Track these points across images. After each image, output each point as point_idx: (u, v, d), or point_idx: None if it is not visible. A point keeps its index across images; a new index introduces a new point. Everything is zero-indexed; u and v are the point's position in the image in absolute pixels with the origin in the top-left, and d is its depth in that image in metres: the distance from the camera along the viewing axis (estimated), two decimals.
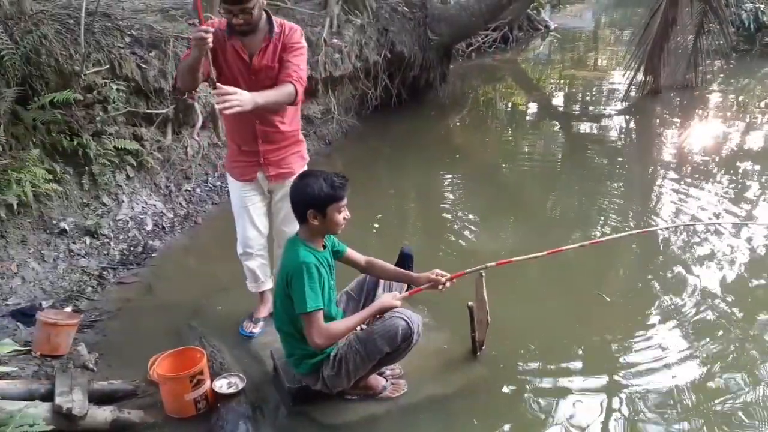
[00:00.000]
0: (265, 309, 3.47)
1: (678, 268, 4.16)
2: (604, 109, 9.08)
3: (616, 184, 5.89)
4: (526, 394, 3.00)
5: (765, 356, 3.22)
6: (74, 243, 4.09)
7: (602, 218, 5.13)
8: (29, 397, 2.60)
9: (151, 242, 4.42)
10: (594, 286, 3.96)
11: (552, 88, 10.77)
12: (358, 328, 2.66)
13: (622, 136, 7.94)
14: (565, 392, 3.01)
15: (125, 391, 2.88)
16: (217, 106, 2.47)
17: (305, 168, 3.16)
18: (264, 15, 2.84)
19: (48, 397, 2.62)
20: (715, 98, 9.19)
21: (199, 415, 2.75)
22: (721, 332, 3.45)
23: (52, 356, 3.07)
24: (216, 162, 5.47)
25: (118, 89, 4.44)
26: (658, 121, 8.32)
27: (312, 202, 2.47)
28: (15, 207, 3.79)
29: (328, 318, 2.59)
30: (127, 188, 4.64)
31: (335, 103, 6.99)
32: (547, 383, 3.08)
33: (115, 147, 4.48)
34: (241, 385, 2.83)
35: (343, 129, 7.18)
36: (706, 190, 5.55)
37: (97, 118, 4.40)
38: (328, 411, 2.80)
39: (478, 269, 2.90)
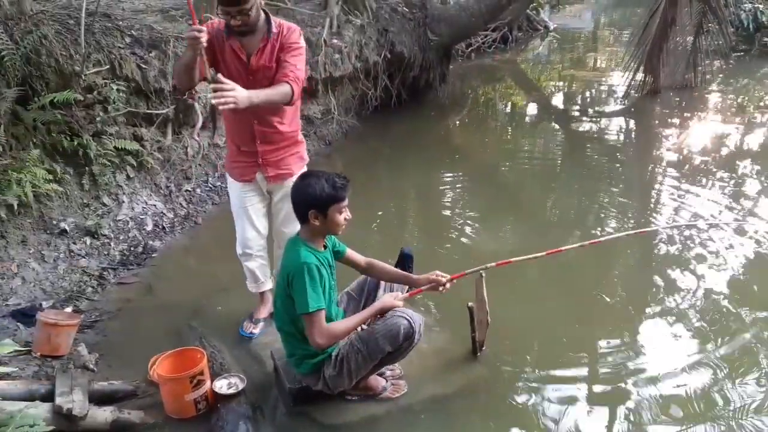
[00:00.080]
0: (265, 309, 3.47)
1: (678, 268, 4.16)
2: (604, 110, 9.09)
3: (615, 184, 5.90)
4: (526, 395, 3.00)
5: None
6: (74, 243, 4.10)
7: (602, 218, 5.14)
8: (29, 397, 2.61)
9: (151, 242, 4.42)
10: (594, 287, 3.96)
11: (551, 88, 10.78)
12: (359, 328, 2.67)
13: (622, 136, 7.94)
14: (565, 393, 3.01)
15: (125, 392, 2.88)
16: (212, 101, 2.46)
17: (305, 169, 3.16)
18: (262, 15, 2.83)
19: (48, 397, 2.62)
20: (714, 98, 9.20)
21: (199, 415, 2.76)
22: (722, 333, 3.45)
23: (53, 357, 3.07)
24: (216, 162, 5.48)
25: (118, 89, 4.44)
26: (657, 121, 8.32)
27: (313, 202, 2.47)
28: (15, 207, 3.79)
29: (329, 318, 2.59)
30: (127, 188, 4.64)
31: (335, 103, 6.99)
32: (547, 384, 3.07)
33: (115, 147, 4.49)
34: (241, 386, 2.83)
35: (343, 129, 7.18)
36: (705, 189, 5.56)
37: (98, 119, 4.40)
38: (329, 411, 2.80)
39: (478, 270, 2.90)
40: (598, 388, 3.05)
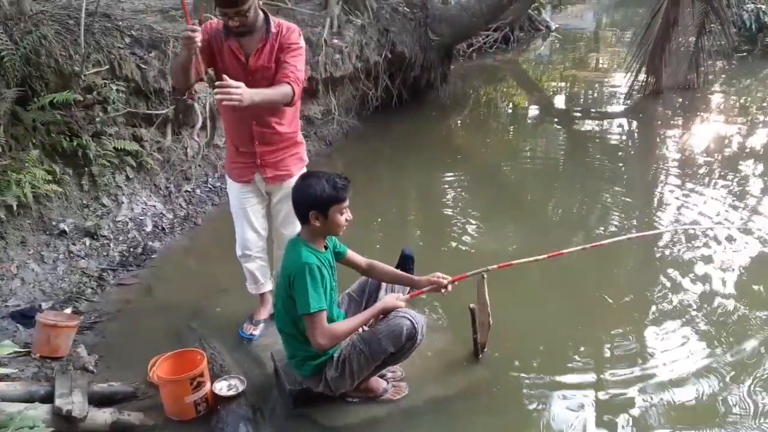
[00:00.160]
0: (265, 311, 3.46)
1: (682, 269, 4.14)
2: (606, 110, 9.07)
3: (617, 185, 5.88)
4: (528, 397, 2.99)
5: None
6: (74, 244, 4.08)
7: (604, 218, 5.12)
8: (29, 398, 2.60)
9: (150, 243, 4.41)
10: (596, 288, 3.94)
11: (553, 88, 10.76)
12: (361, 329, 2.65)
13: (624, 136, 7.92)
14: (567, 395, 2.99)
15: (125, 393, 2.87)
16: (216, 96, 2.45)
17: (304, 170, 3.13)
18: (261, 15, 2.82)
19: (48, 398, 2.61)
20: (716, 99, 9.17)
21: (199, 417, 2.74)
22: (727, 335, 3.43)
23: (52, 358, 3.06)
24: (216, 163, 5.46)
25: (117, 90, 4.43)
26: (659, 121, 8.30)
27: (314, 203, 2.46)
28: (15, 208, 3.78)
29: (330, 319, 2.57)
30: (126, 189, 4.63)
31: (336, 103, 6.98)
32: (549, 386, 3.06)
33: (114, 148, 4.47)
34: (241, 388, 2.82)
35: (344, 129, 7.17)
36: (708, 190, 5.53)
37: (97, 119, 4.39)
38: (329, 413, 2.78)
39: (479, 272, 2.89)
40: (600, 391, 3.02)
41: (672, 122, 8.17)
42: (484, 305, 2.98)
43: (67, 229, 4.08)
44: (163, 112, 4.89)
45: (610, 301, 3.80)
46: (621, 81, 9.71)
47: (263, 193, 3.18)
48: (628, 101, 8.99)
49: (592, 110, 9.19)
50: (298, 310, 2.45)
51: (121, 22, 4.83)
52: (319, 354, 2.63)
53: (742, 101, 9.13)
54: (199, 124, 5.13)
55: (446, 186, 5.93)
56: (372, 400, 2.85)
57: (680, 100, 8.98)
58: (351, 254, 2.82)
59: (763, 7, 11.65)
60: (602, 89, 10.20)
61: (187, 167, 5.17)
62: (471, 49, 12.03)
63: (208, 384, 2.78)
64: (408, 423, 2.80)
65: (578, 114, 9.05)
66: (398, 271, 2.91)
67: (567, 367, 3.20)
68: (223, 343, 3.29)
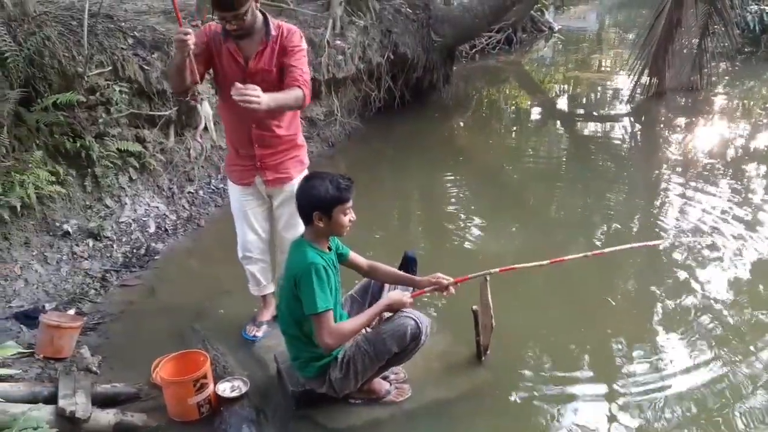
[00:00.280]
0: (268, 312, 3.46)
1: (684, 272, 4.13)
2: (609, 112, 9.06)
3: (620, 186, 5.88)
4: (530, 399, 2.98)
5: None
6: (77, 245, 4.09)
7: (607, 220, 5.11)
8: (32, 399, 2.61)
9: (153, 244, 4.41)
10: (598, 291, 3.94)
11: (556, 89, 10.76)
12: (365, 330, 2.65)
13: (627, 138, 7.91)
14: (570, 398, 2.99)
15: (128, 394, 2.87)
16: (235, 98, 2.42)
17: (305, 173, 3.11)
18: (260, 17, 2.80)
19: (51, 399, 2.61)
20: (720, 100, 9.16)
21: (202, 418, 2.75)
22: (729, 338, 3.42)
23: (55, 359, 3.07)
24: (219, 164, 5.47)
25: (120, 91, 4.44)
26: (662, 123, 8.29)
27: (318, 204, 2.46)
28: (18, 209, 3.79)
29: (334, 320, 2.57)
30: (129, 190, 4.63)
31: (338, 104, 6.98)
32: (551, 388, 3.05)
33: (117, 149, 4.48)
34: (244, 389, 2.82)
35: (346, 131, 7.16)
36: (711, 192, 5.52)
37: (100, 120, 4.40)
38: (332, 415, 2.78)
39: (482, 274, 2.89)
40: (603, 394, 3.02)
41: (675, 124, 8.16)
42: (487, 307, 2.98)
43: (70, 230, 4.09)
44: (166, 113, 4.89)
45: (613, 303, 3.80)
46: (624, 82, 9.71)
47: (264, 196, 3.17)
48: (631, 103, 8.98)
49: (595, 112, 9.19)
50: (305, 310, 2.45)
51: (124, 24, 4.84)
52: (323, 355, 2.63)
53: (745, 103, 9.11)
54: (202, 126, 5.11)
55: (449, 187, 5.92)
56: (375, 402, 2.85)
57: (683, 101, 8.97)
58: (353, 256, 2.82)
59: (767, 8, 11.63)
60: (605, 91, 10.19)
61: (190, 168, 5.18)
62: (473, 50, 12.02)
63: (211, 385, 2.78)
64: (410, 425, 2.80)
65: (581, 115, 9.05)
66: (400, 272, 2.91)
67: (569, 370, 3.19)
68: (226, 344, 3.29)
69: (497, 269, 2.89)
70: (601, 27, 17.72)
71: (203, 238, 4.70)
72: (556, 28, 15.04)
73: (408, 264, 3.09)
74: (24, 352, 3.02)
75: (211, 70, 2.95)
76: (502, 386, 3.05)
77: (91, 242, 4.16)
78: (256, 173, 3.06)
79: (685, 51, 8.84)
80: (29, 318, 3.41)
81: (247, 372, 3.04)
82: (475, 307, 3.01)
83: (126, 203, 4.56)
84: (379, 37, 7.37)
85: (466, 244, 4.68)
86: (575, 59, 12.99)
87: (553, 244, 4.61)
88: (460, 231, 4.92)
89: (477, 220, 5.14)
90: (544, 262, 2.92)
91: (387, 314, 2.71)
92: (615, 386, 3.06)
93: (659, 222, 4.99)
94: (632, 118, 8.67)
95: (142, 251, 4.32)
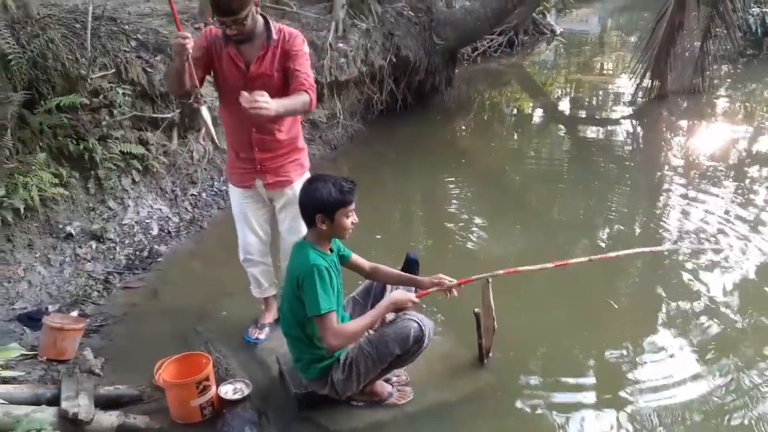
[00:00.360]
0: (270, 315, 3.46)
1: (688, 275, 4.13)
2: (611, 114, 9.05)
3: (622, 189, 5.87)
4: (533, 402, 2.98)
5: None
6: (80, 247, 4.10)
7: (609, 223, 5.11)
8: (35, 401, 2.61)
9: (156, 247, 4.42)
10: (601, 293, 3.94)
11: (558, 92, 10.76)
12: (369, 331, 2.65)
13: (629, 140, 7.91)
14: (572, 401, 2.99)
15: (131, 396, 2.88)
16: (245, 104, 2.40)
17: (305, 176, 3.09)
18: (261, 21, 2.78)
19: (54, 401, 2.62)
20: (722, 103, 9.15)
21: (204, 420, 2.75)
22: (734, 342, 3.42)
23: (59, 361, 3.08)
24: (222, 167, 5.47)
25: (124, 93, 4.46)
26: (664, 125, 8.29)
27: (321, 206, 2.46)
28: (22, 211, 3.80)
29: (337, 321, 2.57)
30: (132, 192, 4.64)
31: (341, 107, 6.98)
32: (554, 391, 3.05)
33: (121, 151, 4.49)
34: (246, 391, 2.82)
35: (349, 133, 7.17)
36: (713, 195, 5.51)
37: (103, 123, 4.41)
38: (334, 417, 2.79)
39: (486, 276, 2.89)
40: (606, 398, 3.02)
41: (677, 126, 8.16)
42: (489, 309, 2.98)
43: (73, 232, 4.10)
44: (169, 115, 4.90)
45: (616, 306, 3.80)
46: (626, 85, 9.70)
47: (265, 199, 3.16)
48: (633, 105, 8.98)
49: (597, 114, 9.18)
50: (308, 312, 2.46)
51: (127, 26, 4.85)
52: (325, 356, 2.64)
53: (747, 105, 9.11)
54: (204, 128, 5.13)
55: (451, 189, 5.93)
56: (377, 404, 2.85)
57: (685, 104, 8.96)
58: (355, 258, 2.83)
59: None
60: (607, 93, 10.18)
61: (193, 171, 5.18)
62: (476, 53, 12.02)
63: (214, 387, 2.79)
64: (412, 427, 2.80)
65: (583, 118, 9.04)
66: (402, 273, 2.92)
67: (572, 373, 3.19)
68: (228, 346, 3.29)
69: (502, 271, 2.89)
70: (603, 30, 17.70)
71: (206, 241, 4.70)
72: (558, 31, 15.03)
73: (410, 266, 3.09)
74: (27, 354, 3.03)
75: (211, 74, 2.95)
76: (505, 389, 3.05)
77: (94, 244, 4.17)
78: (256, 176, 3.05)
79: (687, 54, 8.83)
80: (32, 320, 3.42)
81: (250, 374, 3.04)
82: (477, 309, 3.02)
83: (129, 205, 4.57)
84: (382, 40, 7.38)
85: (468, 246, 4.68)
86: (577, 62, 12.99)
87: (556, 247, 4.60)
88: (462, 233, 4.92)
89: (479, 223, 5.14)
90: (549, 265, 2.92)
91: (390, 316, 2.71)
92: (618, 389, 3.06)
93: (662, 224, 4.99)
94: (634, 121, 8.68)
95: (145, 253, 4.33)
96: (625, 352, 3.36)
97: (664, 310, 3.77)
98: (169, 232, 4.64)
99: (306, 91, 2.74)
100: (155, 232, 4.57)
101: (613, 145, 7.54)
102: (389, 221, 5.24)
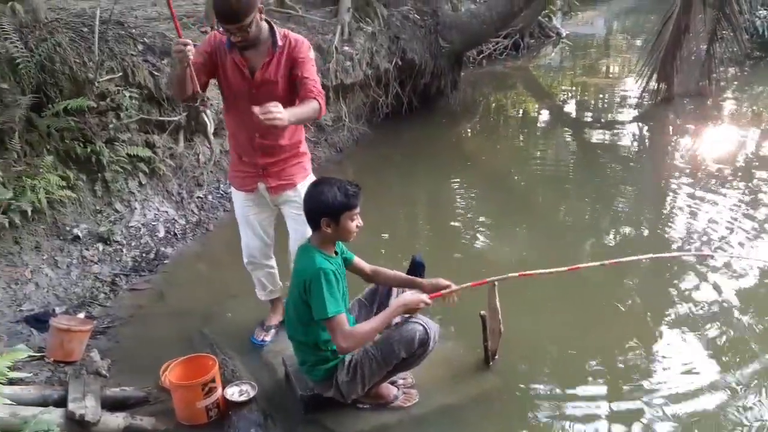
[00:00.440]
0: (276, 317, 3.46)
1: (694, 278, 4.11)
2: (616, 117, 9.03)
3: (628, 192, 5.85)
4: (539, 405, 2.97)
5: None
6: (87, 249, 4.12)
7: (615, 226, 5.10)
8: (43, 402, 2.62)
9: (163, 249, 4.44)
10: (607, 296, 3.92)
11: (563, 95, 10.73)
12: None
13: (635, 143, 7.88)
14: (578, 404, 2.98)
15: (137, 398, 2.89)
16: (260, 116, 2.38)
17: (308, 178, 3.09)
18: (265, 26, 2.77)
19: (61, 403, 2.63)
20: (728, 106, 9.11)
21: (210, 422, 2.75)
22: (740, 345, 3.40)
23: (65, 362, 3.09)
24: (228, 169, 5.48)
25: (130, 96, 4.48)
26: (671, 128, 8.26)
27: (326, 210, 2.47)
28: (29, 213, 3.82)
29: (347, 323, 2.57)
30: (139, 195, 4.66)
31: (346, 110, 7.00)
32: (560, 394, 3.05)
33: (127, 154, 4.51)
34: (252, 393, 2.83)
35: (354, 136, 7.18)
36: (720, 198, 5.48)
37: (110, 125, 4.43)
38: (340, 419, 2.78)
39: (499, 279, 2.89)
40: (612, 401, 3.00)
41: (683, 129, 8.12)
42: (495, 312, 2.98)
43: (80, 234, 4.12)
44: (176, 118, 4.92)
45: (622, 309, 3.78)
46: (632, 88, 9.67)
47: (268, 202, 3.15)
48: (639, 108, 8.95)
49: (603, 117, 9.15)
50: (315, 315, 2.46)
51: (134, 30, 4.89)
52: (330, 358, 2.64)
53: (754, 108, 9.06)
54: (211, 131, 5.15)
55: (456, 192, 5.93)
56: (383, 407, 2.85)
57: (692, 107, 8.92)
58: (357, 260, 2.83)
59: None
60: (613, 96, 10.15)
61: (199, 173, 5.20)
62: (481, 56, 12.01)
63: (220, 389, 2.79)
64: (418, 430, 2.80)
65: (589, 121, 9.02)
66: (403, 276, 2.90)
67: (578, 376, 3.18)
68: (234, 348, 3.30)
69: (516, 274, 2.88)
70: (609, 32, 17.65)
71: (212, 243, 4.72)
72: (564, 34, 15.01)
73: (416, 268, 3.09)
74: (34, 356, 3.05)
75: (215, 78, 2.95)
76: (511, 391, 3.04)
77: (101, 246, 4.19)
78: (258, 180, 3.05)
79: (693, 56, 8.80)
80: (39, 321, 3.43)
81: (256, 376, 3.05)
82: (483, 312, 3.01)
83: (136, 208, 4.59)
84: (387, 43, 7.40)
85: (474, 249, 4.67)
86: (583, 65, 12.97)
87: (562, 249, 4.60)
88: (467, 235, 4.92)
89: (484, 225, 5.13)
90: (562, 269, 2.92)
91: (397, 318, 2.70)
92: (623, 392, 3.05)
93: (668, 227, 4.97)
94: (640, 124, 8.64)
95: (152, 255, 4.34)
96: (631, 355, 3.35)
97: (670, 313, 3.75)
98: (176, 234, 4.66)
99: (315, 98, 2.73)
100: (161, 234, 4.58)
101: (619, 148, 7.52)
102: (395, 224, 5.24)
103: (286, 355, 3.02)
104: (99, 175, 4.37)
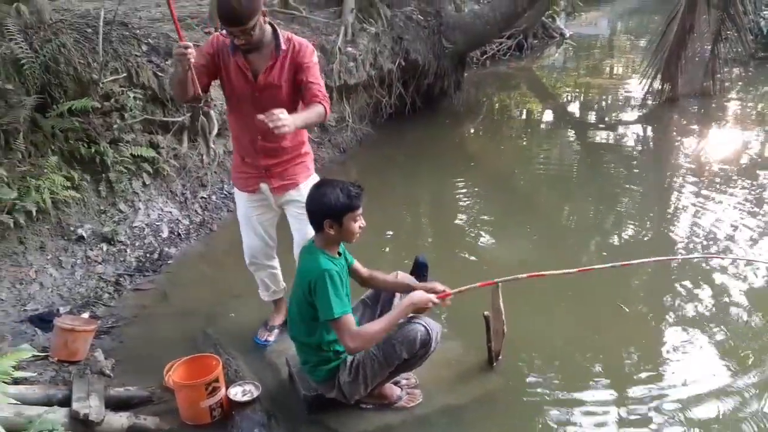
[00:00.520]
0: (280, 317, 3.47)
1: (698, 279, 4.09)
2: (621, 117, 9.02)
3: (632, 192, 5.84)
4: (543, 406, 2.97)
5: None
6: (91, 250, 4.13)
7: (619, 226, 5.09)
8: (47, 402, 2.63)
9: (166, 249, 4.45)
10: (611, 297, 3.91)
11: (567, 95, 10.72)
12: None
13: (639, 143, 7.87)
14: (582, 405, 2.97)
15: (141, 398, 2.89)
16: (270, 124, 2.39)
17: (311, 178, 3.09)
18: (269, 30, 2.76)
19: (65, 402, 2.64)
20: (733, 106, 9.09)
21: (214, 422, 2.76)
22: (750, 348, 3.38)
23: (70, 362, 3.10)
24: (231, 170, 5.49)
25: (135, 97, 4.49)
26: (675, 129, 8.24)
27: (328, 212, 2.47)
28: (34, 213, 3.83)
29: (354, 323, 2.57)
30: (143, 195, 4.67)
31: (350, 111, 7.00)
32: (564, 395, 3.04)
33: (131, 154, 4.52)
34: (256, 393, 2.83)
35: (358, 137, 7.19)
36: (724, 199, 5.47)
37: (115, 126, 4.44)
38: (344, 419, 2.78)
39: (510, 279, 2.89)
40: (616, 401, 3.00)
41: (688, 130, 8.11)
42: (499, 313, 2.98)
43: (84, 234, 4.13)
44: (180, 119, 4.93)
45: (627, 310, 3.77)
46: (636, 88, 9.66)
47: (271, 202, 3.15)
48: (643, 108, 8.94)
49: (607, 117, 9.14)
50: (321, 316, 2.46)
51: (138, 31, 4.90)
52: (332, 358, 2.65)
53: (759, 109, 9.04)
54: (214, 132, 5.17)
55: (459, 193, 5.92)
56: (386, 407, 2.85)
57: (696, 107, 8.91)
58: (356, 264, 2.82)
59: None
60: (617, 96, 10.14)
61: (203, 174, 5.21)
62: (484, 56, 12.01)
63: (223, 389, 2.80)
64: (422, 430, 2.80)
65: (592, 121, 9.01)
66: (397, 281, 2.88)
67: (582, 376, 3.18)
68: (238, 348, 3.30)
69: (525, 275, 2.88)
70: (613, 33, 17.63)
71: (216, 243, 4.73)
72: (568, 35, 15.00)
73: (419, 269, 3.09)
74: (39, 355, 3.05)
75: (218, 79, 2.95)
76: (514, 392, 3.04)
77: (105, 246, 4.20)
78: (261, 180, 3.05)
79: (697, 57, 8.78)
80: (44, 321, 3.44)
81: (259, 376, 3.05)
82: (486, 312, 3.01)
83: (140, 208, 4.60)
84: (391, 43, 7.41)
85: (478, 249, 4.67)
86: (586, 65, 12.95)
87: (565, 249, 4.60)
88: (471, 236, 4.92)
89: (488, 225, 5.13)
90: (572, 270, 2.92)
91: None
92: (627, 394, 3.04)
93: (672, 229, 4.96)
94: (644, 124, 8.63)
95: (155, 256, 4.35)
96: (635, 356, 3.34)
97: (675, 314, 3.74)
98: (179, 234, 4.67)
99: (320, 102, 2.73)
100: (165, 234, 4.59)
101: (623, 149, 7.51)
102: (398, 224, 5.24)
103: (289, 355, 3.03)
104: (103, 175, 4.38)
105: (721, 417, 2.87)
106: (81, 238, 4.11)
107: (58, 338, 3.11)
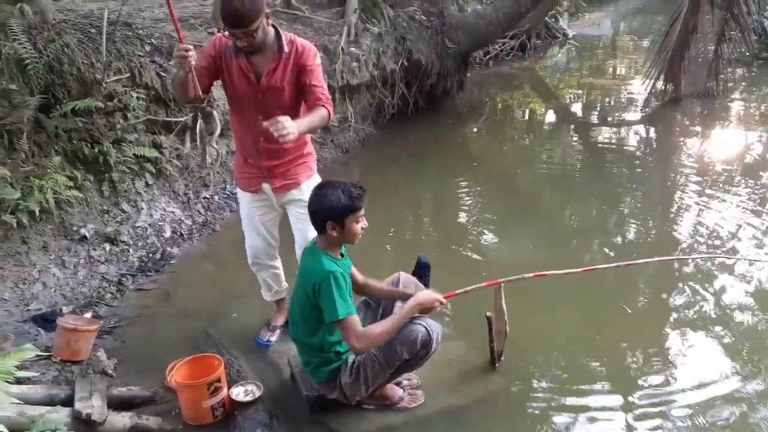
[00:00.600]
0: (282, 317, 3.47)
1: (701, 279, 4.09)
2: (624, 118, 9.00)
3: (635, 193, 5.84)
4: (545, 406, 2.97)
5: None
6: (94, 249, 4.13)
7: (622, 227, 5.08)
8: (50, 402, 2.64)
9: (169, 249, 4.45)
10: (614, 297, 3.91)
11: (570, 96, 10.71)
12: None
13: (642, 144, 7.86)
14: (584, 406, 2.98)
15: (143, 398, 2.90)
16: (274, 133, 2.38)
17: (312, 178, 3.09)
18: (271, 31, 2.74)
19: (68, 402, 2.64)
20: (736, 107, 9.07)
21: (216, 422, 2.76)
22: (746, 348, 3.37)
23: (72, 362, 3.11)
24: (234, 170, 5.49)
25: (138, 97, 4.50)
26: (678, 129, 8.22)
27: (331, 213, 2.47)
28: (37, 213, 3.83)
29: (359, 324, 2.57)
30: (146, 195, 4.67)
31: (352, 111, 7.00)
32: (566, 396, 3.04)
33: (134, 154, 4.53)
34: (258, 393, 2.84)
35: (360, 137, 7.19)
36: (727, 200, 5.46)
37: (118, 126, 4.45)
38: (345, 420, 2.78)
39: (514, 279, 2.89)
40: (618, 402, 3.00)
41: (691, 130, 8.10)
42: (501, 313, 2.97)
43: (87, 234, 4.13)
44: (182, 119, 4.94)
45: (629, 311, 3.77)
46: (639, 88, 9.63)
47: (273, 203, 3.14)
48: (646, 109, 8.91)
49: (610, 118, 9.13)
50: (326, 318, 2.46)
51: (141, 31, 4.90)
52: (333, 359, 2.65)
53: (762, 109, 9.01)
54: (217, 132, 5.17)
55: (462, 193, 5.92)
56: (388, 408, 2.85)
57: (699, 107, 8.89)
58: (353, 270, 2.81)
59: None
60: (620, 97, 10.11)
61: (206, 174, 5.22)
62: (487, 56, 11.99)
63: (225, 389, 2.80)
64: (423, 431, 2.79)
65: (595, 121, 9.00)
66: (392, 288, 2.87)
67: (584, 377, 3.17)
68: (240, 348, 3.31)
69: (531, 274, 2.88)
70: (616, 33, 17.58)
71: (218, 243, 4.73)
72: (571, 35, 14.96)
73: (421, 269, 3.09)
74: (41, 355, 3.06)
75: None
76: (516, 393, 3.04)
77: (107, 246, 4.20)
78: (263, 180, 3.05)
79: (701, 57, 8.75)
80: (47, 321, 3.45)
81: (261, 376, 3.05)
82: (489, 313, 3.01)
83: (142, 208, 4.60)
84: (394, 44, 7.40)
85: (480, 249, 4.67)
86: (589, 65, 12.93)
87: (568, 250, 4.59)
88: (473, 236, 4.92)
89: (490, 226, 5.13)
90: (577, 270, 2.91)
91: None
92: (630, 395, 3.04)
93: (675, 228, 4.96)
94: (647, 125, 8.61)
95: (158, 256, 4.36)
96: (637, 357, 3.34)
97: (678, 315, 3.74)
98: (182, 234, 4.67)
99: (324, 105, 2.73)
100: (168, 234, 4.60)
101: (626, 149, 7.49)
102: (401, 224, 5.24)
103: (291, 356, 3.03)
104: (106, 175, 4.39)
105: (732, 422, 2.85)
106: (84, 238, 4.12)
107: (61, 338, 3.11)
